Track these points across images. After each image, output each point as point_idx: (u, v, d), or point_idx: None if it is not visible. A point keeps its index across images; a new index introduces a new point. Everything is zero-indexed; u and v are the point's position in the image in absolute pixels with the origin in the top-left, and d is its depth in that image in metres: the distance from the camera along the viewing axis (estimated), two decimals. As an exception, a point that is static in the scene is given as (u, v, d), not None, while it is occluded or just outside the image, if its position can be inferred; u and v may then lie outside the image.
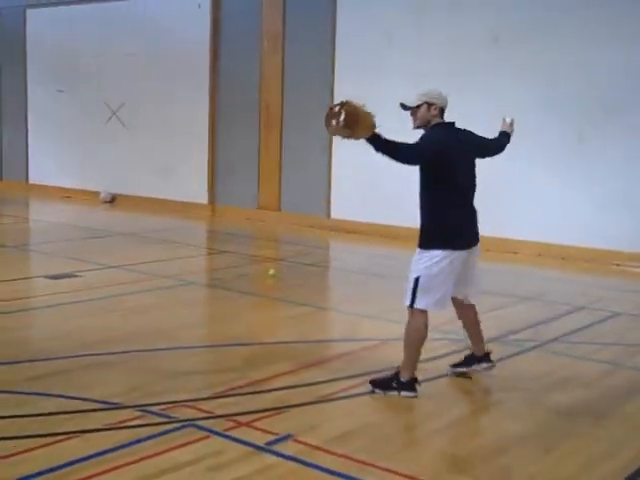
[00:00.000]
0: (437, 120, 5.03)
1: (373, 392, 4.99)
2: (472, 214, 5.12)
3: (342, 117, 4.52)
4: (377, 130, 4.65)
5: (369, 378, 5.17)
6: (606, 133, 9.70)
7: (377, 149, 4.71)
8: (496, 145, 5.48)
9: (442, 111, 5.04)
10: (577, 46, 9.83)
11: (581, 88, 9.82)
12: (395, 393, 4.96)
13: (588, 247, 9.75)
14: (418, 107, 5.00)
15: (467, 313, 5.32)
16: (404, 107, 5.05)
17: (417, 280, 4.92)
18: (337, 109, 4.55)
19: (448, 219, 4.95)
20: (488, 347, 5.32)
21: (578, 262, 9.75)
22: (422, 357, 5.70)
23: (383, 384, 5.02)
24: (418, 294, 4.93)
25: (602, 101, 9.70)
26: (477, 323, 5.33)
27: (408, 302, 4.98)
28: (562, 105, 9.90)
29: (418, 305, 4.95)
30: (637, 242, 9.51)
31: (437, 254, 4.89)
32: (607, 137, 9.70)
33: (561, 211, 10.05)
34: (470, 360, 5.38)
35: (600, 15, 9.71)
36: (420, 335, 5.00)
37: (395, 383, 4.99)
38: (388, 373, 5.07)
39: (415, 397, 4.95)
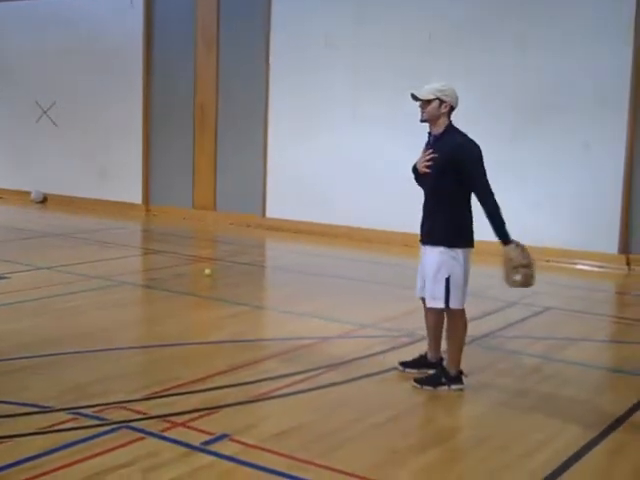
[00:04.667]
0: (447, 120, 5.01)
1: (421, 388, 5.08)
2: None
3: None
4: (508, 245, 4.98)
5: (306, 376, 5.20)
6: (538, 132, 9.88)
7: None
8: None
9: (452, 110, 5.03)
10: (512, 47, 9.99)
11: (515, 86, 9.98)
12: (445, 388, 5.07)
13: (520, 244, 9.91)
14: (429, 101, 4.96)
15: (428, 315, 5.32)
16: (414, 98, 5.02)
17: (448, 280, 4.99)
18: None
19: (467, 218, 5.08)
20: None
21: (511, 259, 9.88)
22: (361, 354, 5.78)
23: (432, 381, 5.11)
24: (451, 294, 4.99)
25: (535, 100, 9.89)
26: (437, 327, 5.29)
27: (442, 304, 5.02)
28: (495, 106, 10.05)
29: (453, 305, 5.02)
30: (567, 239, 9.72)
31: (461, 252, 5.02)
32: (539, 136, 9.88)
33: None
34: (420, 362, 5.40)
35: (536, 18, 9.88)
36: (466, 331, 5.16)
37: (444, 378, 5.09)
38: (433, 371, 5.20)
39: (462, 389, 5.09)
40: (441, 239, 5.00)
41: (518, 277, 4.87)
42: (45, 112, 14.35)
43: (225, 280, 8.63)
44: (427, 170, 5.03)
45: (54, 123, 14.30)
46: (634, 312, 7.71)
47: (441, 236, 5.00)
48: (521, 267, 4.87)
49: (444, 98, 4.97)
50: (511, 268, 4.89)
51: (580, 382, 5.44)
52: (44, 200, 14.45)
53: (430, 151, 5.04)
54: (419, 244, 5.27)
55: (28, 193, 14.52)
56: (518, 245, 4.95)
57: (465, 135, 5.05)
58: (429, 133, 5.16)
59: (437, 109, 4.98)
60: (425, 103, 4.99)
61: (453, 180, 4.96)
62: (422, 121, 5.08)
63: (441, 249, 5.00)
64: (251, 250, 10.52)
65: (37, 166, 14.61)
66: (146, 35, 13.08)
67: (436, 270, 5.02)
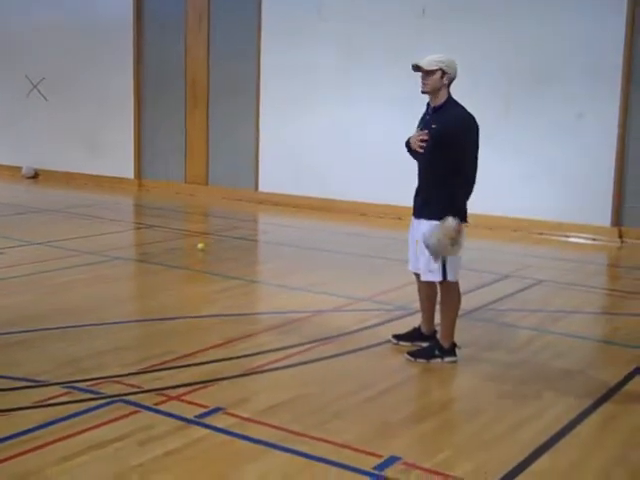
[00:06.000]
0: (447, 92, 5.01)
1: (414, 360, 5.11)
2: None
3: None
4: (453, 221, 4.84)
5: (300, 350, 5.22)
6: (532, 104, 9.85)
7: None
8: None
9: (451, 83, 5.02)
10: (504, 17, 9.93)
11: (508, 59, 9.94)
12: (438, 360, 5.10)
13: (514, 217, 9.92)
14: (431, 72, 4.94)
15: (421, 288, 5.35)
16: (417, 68, 4.97)
17: None
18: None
19: (461, 195, 5.04)
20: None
21: (504, 231, 9.91)
22: (355, 327, 5.79)
23: (425, 354, 5.14)
24: (448, 267, 4.99)
25: (529, 72, 9.85)
26: (430, 300, 5.32)
27: (439, 278, 5.03)
28: (489, 76, 10.00)
29: (450, 278, 5.03)
30: (560, 212, 9.72)
31: None
32: (533, 108, 9.85)
33: (487, 182, 10.14)
34: (414, 335, 5.42)
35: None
36: (459, 304, 5.18)
37: (438, 351, 5.12)
38: (426, 344, 5.24)
39: (456, 361, 5.12)
40: (436, 213, 4.96)
41: (450, 247, 4.84)
42: (35, 86, 14.24)
43: (218, 254, 8.62)
44: (421, 150, 5.02)
45: (45, 98, 14.20)
46: (625, 284, 7.74)
47: (436, 210, 4.97)
48: (451, 239, 4.82)
49: (446, 69, 4.96)
50: (444, 235, 4.82)
51: (573, 354, 5.46)
52: (35, 175, 14.38)
53: (425, 132, 5.01)
54: (411, 217, 5.26)
55: (19, 168, 14.45)
56: (460, 223, 4.89)
57: (464, 109, 5.03)
58: (428, 104, 5.13)
59: (439, 80, 4.95)
60: (427, 74, 4.96)
61: (448, 153, 4.93)
62: (423, 92, 5.04)
63: (436, 223, 4.98)
64: (244, 224, 10.50)
65: (28, 141, 14.52)
66: (136, 8, 12.95)
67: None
